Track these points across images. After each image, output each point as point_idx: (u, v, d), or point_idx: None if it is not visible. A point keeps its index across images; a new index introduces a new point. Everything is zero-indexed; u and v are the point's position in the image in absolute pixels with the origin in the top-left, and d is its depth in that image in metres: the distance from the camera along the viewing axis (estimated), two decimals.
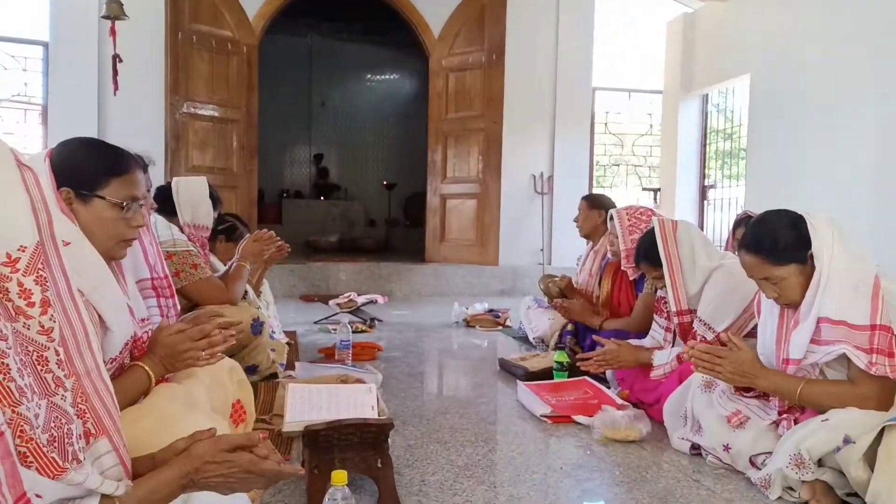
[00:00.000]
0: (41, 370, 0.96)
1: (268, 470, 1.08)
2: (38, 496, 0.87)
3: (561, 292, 3.99)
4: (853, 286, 1.76)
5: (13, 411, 0.89)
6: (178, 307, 2.05)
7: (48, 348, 0.97)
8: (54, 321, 0.97)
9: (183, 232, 2.71)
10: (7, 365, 0.89)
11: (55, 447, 0.93)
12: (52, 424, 0.94)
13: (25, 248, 0.94)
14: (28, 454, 0.89)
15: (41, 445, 0.91)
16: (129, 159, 1.48)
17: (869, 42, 4.72)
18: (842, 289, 1.76)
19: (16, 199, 0.94)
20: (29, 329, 0.95)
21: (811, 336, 1.80)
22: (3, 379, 0.88)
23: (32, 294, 0.95)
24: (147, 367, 1.46)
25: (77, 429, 0.99)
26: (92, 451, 1.02)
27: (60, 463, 0.92)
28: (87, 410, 1.03)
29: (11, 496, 0.82)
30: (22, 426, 0.89)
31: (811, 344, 1.81)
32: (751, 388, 1.93)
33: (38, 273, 0.95)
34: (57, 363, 0.98)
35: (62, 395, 0.98)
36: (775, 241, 1.84)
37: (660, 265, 2.48)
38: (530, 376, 2.95)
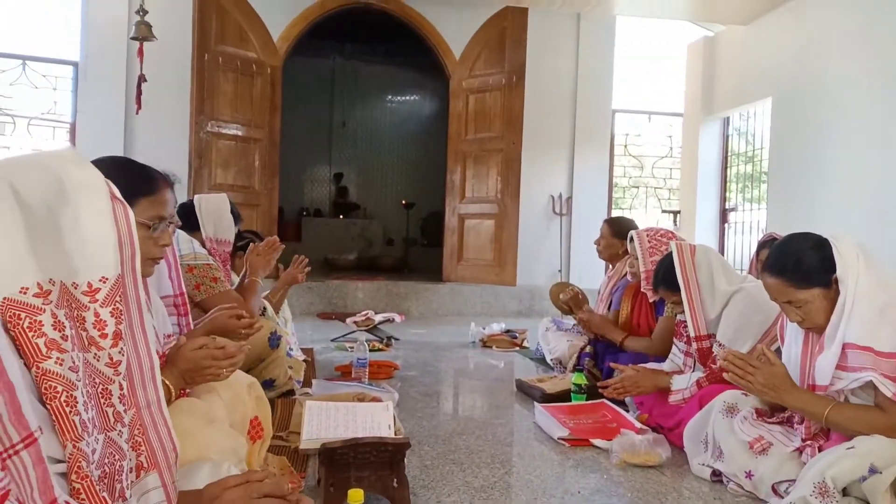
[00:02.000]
0: (104, 404, 0.97)
1: (267, 489, 1.07)
2: (67, 502, 0.88)
3: (569, 307, 3.98)
4: (879, 311, 1.73)
5: (74, 446, 0.90)
6: (192, 325, 2.07)
7: (113, 381, 0.98)
8: (123, 354, 0.98)
9: (205, 246, 2.75)
10: (75, 398, 0.90)
11: (105, 484, 0.94)
12: (106, 460, 0.95)
13: (107, 279, 0.96)
14: (81, 491, 0.90)
15: (94, 483, 0.91)
16: (159, 179, 1.51)
17: (891, 63, 4.69)
18: (868, 314, 1.73)
19: (104, 230, 0.96)
20: (98, 360, 0.96)
21: (837, 362, 1.77)
22: (70, 412, 0.90)
23: (107, 326, 0.96)
24: (168, 381, 1.48)
25: (129, 463, 0.99)
26: (140, 486, 1.02)
27: (109, 502, 0.93)
28: (142, 443, 1.03)
29: (42, 502, 0.83)
30: (80, 462, 0.90)
31: (837, 370, 1.78)
32: (775, 412, 1.89)
33: (115, 305, 0.97)
34: (119, 397, 0.99)
35: (119, 431, 0.98)
36: (799, 263, 1.82)
37: (678, 290, 2.46)
38: (548, 398, 2.93)
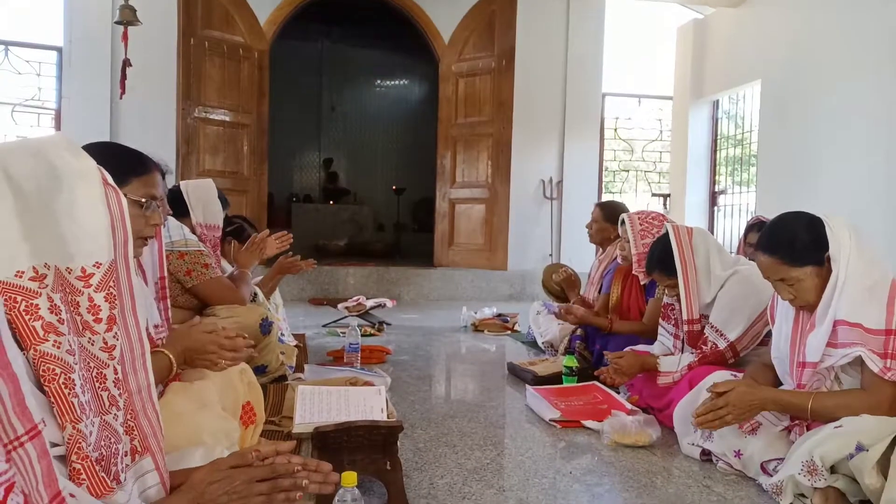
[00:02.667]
0: (99, 387, 0.98)
1: (265, 471, 1.07)
2: (72, 495, 0.88)
3: (562, 289, 4.00)
4: (869, 290, 1.75)
5: (74, 427, 0.91)
6: (170, 311, 2.07)
7: (108, 366, 0.99)
8: (118, 339, 0.99)
9: (195, 232, 2.74)
10: (73, 380, 0.91)
11: (102, 466, 0.95)
12: (103, 443, 0.96)
13: (101, 264, 0.97)
14: (82, 471, 0.91)
15: (94, 463, 0.93)
16: (149, 161, 1.54)
17: (880, 47, 4.70)
18: (858, 292, 1.75)
19: (98, 216, 0.97)
20: (93, 345, 0.97)
21: (827, 339, 1.79)
22: (69, 394, 0.91)
23: (101, 310, 0.97)
24: (171, 354, 1.49)
25: (124, 447, 1.00)
26: (136, 469, 1.04)
27: (108, 483, 0.94)
28: (135, 428, 1.04)
29: (47, 494, 0.83)
30: (80, 442, 0.91)
31: (828, 347, 1.79)
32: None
33: (108, 290, 0.98)
34: (114, 382, 1.00)
35: (114, 415, 0.99)
36: (792, 242, 1.83)
37: (673, 273, 2.44)
38: (539, 381, 2.95)
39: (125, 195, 1.45)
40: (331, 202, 9.81)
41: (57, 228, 0.93)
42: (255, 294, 3.06)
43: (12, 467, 0.78)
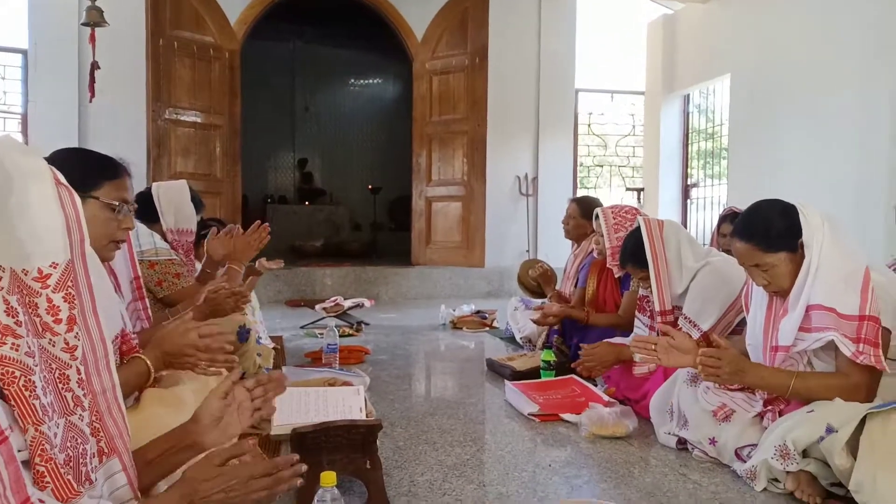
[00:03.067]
0: (62, 388, 0.96)
1: (262, 465, 1.08)
2: (41, 501, 0.87)
3: (538, 284, 4.02)
4: (843, 278, 1.79)
5: (36, 429, 0.90)
6: (149, 311, 2.05)
7: (70, 367, 0.97)
8: (79, 339, 0.98)
9: (166, 239, 2.68)
10: (33, 382, 0.90)
11: (70, 467, 0.94)
12: (69, 444, 0.95)
13: (57, 264, 0.95)
14: (45, 474, 0.90)
15: (59, 465, 0.91)
16: (120, 166, 1.55)
17: (848, 40, 4.80)
18: (832, 278, 1.79)
19: (52, 215, 0.95)
20: (54, 346, 0.96)
21: (800, 323, 1.83)
22: (29, 396, 0.89)
23: (60, 311, 0.96)
24: (148, 361, 1.48)
25: (91, 448, 0.99)
26: (105, 469, 1.03)
27: (75, 486, 0.92)
28: (100, 429, 1.03)
29: (15, 501, 0.82)
30: (43, 444, 0.90)
31: (800, 331, 1.83)
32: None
33: (67, 290, 0.96)
34: (77, 382, 0.98)
35: (80, 415, 0.98)
36: (767, 228, 1.87)
37: (646, 266, 2.48)
38: (518, 376, 2.96)
39: (98, 198, 1.45)
40: (306, 203, 9.75)
41: (10, 230, 0.91)
42: None
43: None
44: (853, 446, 1.57)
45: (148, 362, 1.48)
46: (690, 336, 2.09)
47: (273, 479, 1.08)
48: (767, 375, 1.87)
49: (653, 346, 1.96)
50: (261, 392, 1.28)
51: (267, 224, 2.83)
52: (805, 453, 1.70)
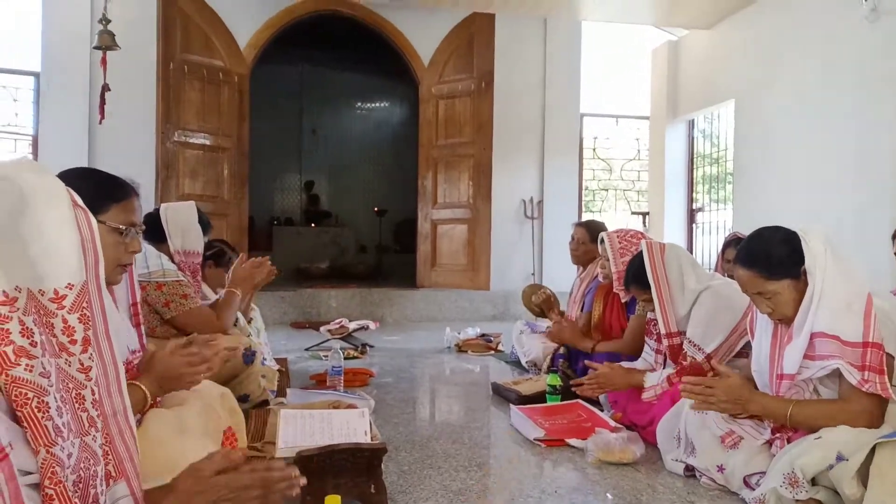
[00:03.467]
0: (78, 408, 0.97)
1: (255, 478, 1.07)
2: None
3: (541, 310, 4.01)
4: (846, 303, 1.78)
5: (48, 451, 0.89)
6: (144, 337, 2.04)
7: (86, 387, 0.98)
8: (93, 360, 0.98)
9: (173, 260, 2.69)
10: (47, 404, 0.90)
11: (79, 489, 0.93)
12: (82, 465, 0.94)
13: (73, 286, 0.96)
14: (54, 497, 0.89)
15: (67, 489, 0.91)
16: (128, 187, 1.54)
17: (849, 65, 4.83)
18: (835, 305, 1.78)
19: (68, 237, 0.96)
20: (70, 366, 0.96)
21: (805, 351, 1.82)
22: (42, 418, 0.89)
23: (75, 332, 0.96)
24: (144, 387, 1.47)
25: (101, 471, 0.99)
26: (111, 494, 1.02)
27: None
28: (109, 452, 1.02)
29: None
30: (54, 467, 0.90)
31: (805, 359, 1.82)
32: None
33: (82, 311, 0.97)
34: (92, 403, 0.98)
35: (93, 436, 0.98)
36: (769, 256, 1.87)
37: (649, 288, 2.50)
38: (523, 400, 2.94)
39: (105, 222, 1.45)
40: (312, 225, 9.79)
41: (26, 251, 0.92)
42: (238, 319, 3.02)
43: None
44: (863, 474, 1.55)
45: (144, 388, 1.47)
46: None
47: (264, 491, 1.06)
48: (768, 404, 1.86)
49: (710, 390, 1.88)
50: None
51: (268, 259, 2.87)
52: (814, 481, 1.68)
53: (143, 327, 1.97)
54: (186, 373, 1.52)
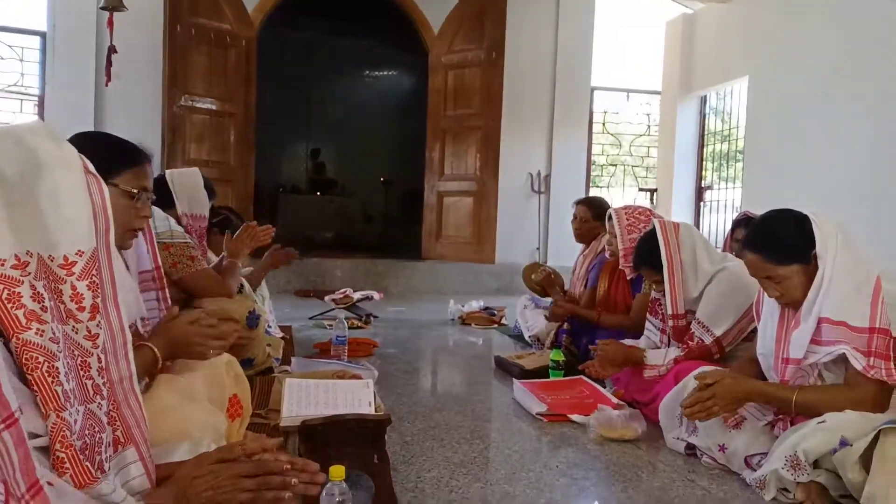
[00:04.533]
0: (83, 375, 0.97)
1: (251, 466, 1.06)
2: (49, 484, 0.87)
3: (542, 288, 4.00)
4: (855, 288, 1.77)
5: (58, 415, 0.90)
6: (169, 300, 2.05)
7: (92, 354, 0.98)
8: (100, 328, 0.98)
9: (181, 223, 2.70)
10: (57, 369, 0.90)
11: (86, 455, 0.94)
12: (87, 432, 0.95)
13: (83, 252, 0.96)
14: (65, 460, 0.90)
15: (78, 452, 0.91)
16: (142, 153, 1.54)
17: (867, 44, 4.74)
18: (844, 290, 1.77)
19: (80, 204, 0.96)
20: (77, 333, 0.96)
21: (811, 336, 1.81)
22: (52, 382, 0.90)
23: (84, 299, 0.96)
24: (155, 349, 1.47)
25: (107, 437, 0.99)
26: (119, 460, 1.03)
27: (93, 472, 0.93)
28: (117, 418, 1.03)
29: (25, 482, 0.82)
30: (64, 431, 0.90)
31: (812, 344, 1.81)
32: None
33: (91, 279, 0.97)
34: (98, 370, 0.99)
35: (98, 403, 0.98)
36: (779, 240, 1.85)
37: (660, 269, 2.46)
38: (526, 374, 2.95)
39: (118, 185, 1.45)
40: (318, 193, 9.75)
41: (40, 216, 0.92)
42: (242, 285, 3.03)
43: None
44: (866, 459, 1.55)
45: (155, 350, 1.48)
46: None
47: (258, 482, 1.03)
48: (769, 391, 1.86)
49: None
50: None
51: (269, 226, 2.89)
52: (816, 464, 1.69)
53: (166, 290, 1.97)
54: (198, 343, 1.52)
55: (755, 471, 1.85)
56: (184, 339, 1.52)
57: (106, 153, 1.45)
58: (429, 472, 1.93)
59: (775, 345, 1.94)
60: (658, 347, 2.63)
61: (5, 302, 0.88)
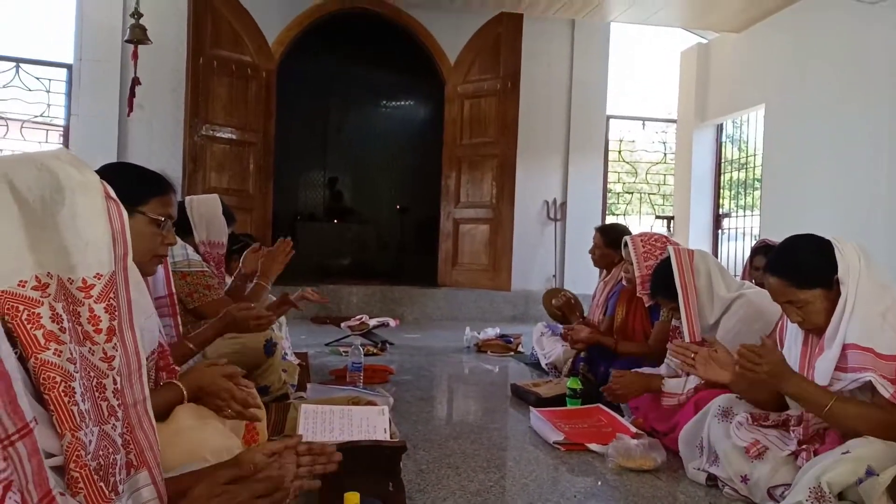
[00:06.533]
0: (98, 397, 0.98)
1: (264, 485, 1.06)
2: (62, 494, 0.88)
3: (562, 313, 3.98)
4: (881, 314, 1.73)
5: (73, 435, 0.91)
6: (180, 328, 2.06)
7: (107, 376, 0.99)
8: (117, 350, 1.00)
9: (198, 251, 2.73)
10: (73, 389, 0.91)
11: (100, 475, 0.94)
12: (101, 453, 0.96)
13: (101, 275, 0.98)
14: (80, 480, 0.91)
15: (92, 472, 0.92)
16: (167, 182, 1.60)
17: (882, 71, 4.73)
18: (869, 316, 1.74)
19: (99, 227, 0.98)
20: (93, 355, 0.98)
21: (836, 363, 1.77)
22: (69, 402, 0.91)
23: (101, 321, 0.98)
24: (185, 389, 1.49)
25: (121, 459, 1.00)
26: (131, 483, 1.03)
27: (107, 493, 0.93)
28: (131, 441, 1.04)
29: (37, 493, 0.83)
30: (79, 451, 0.91)
31: (837, 371, 1.78)
32: (770, 414, 1.88)
33: (108, 301, 0.99)
34: (113, 392, 1.00)
35: (113, 425, 0.99)
36: (801, 264, 1.83)
37: (676, 297, 2.45)
38: (543, 402, 2.92)
39: (145, 213, 1.49)
40: (335, 221, 9.83)
41: (60, 239, 0.94)
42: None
43: (9, 465, 0.78)
44: (893, 490, 1.51)
45: (184, 390, 1.49)
46: (731, 354, 2.00)
47: (272, 501, 1.06)
48: (808, 388, 1.78)
49: (692, 355, 1.92)
50: (308, 461, 1.18)
51: (290, 239, 2.88)
52: (841, 496, 1.64)
53: (178, 317, 2.00)
54: (222, 399, 1.53)
55: (778, 503, 1.80)
56: (212, 389, 1.53)
57: (133, 182, 1.51)
58: (444, 501, 1.91)
59: (799, 371, 1.91)
60: (678, 375, 2.59)
61: (25, 323, 0.90)
